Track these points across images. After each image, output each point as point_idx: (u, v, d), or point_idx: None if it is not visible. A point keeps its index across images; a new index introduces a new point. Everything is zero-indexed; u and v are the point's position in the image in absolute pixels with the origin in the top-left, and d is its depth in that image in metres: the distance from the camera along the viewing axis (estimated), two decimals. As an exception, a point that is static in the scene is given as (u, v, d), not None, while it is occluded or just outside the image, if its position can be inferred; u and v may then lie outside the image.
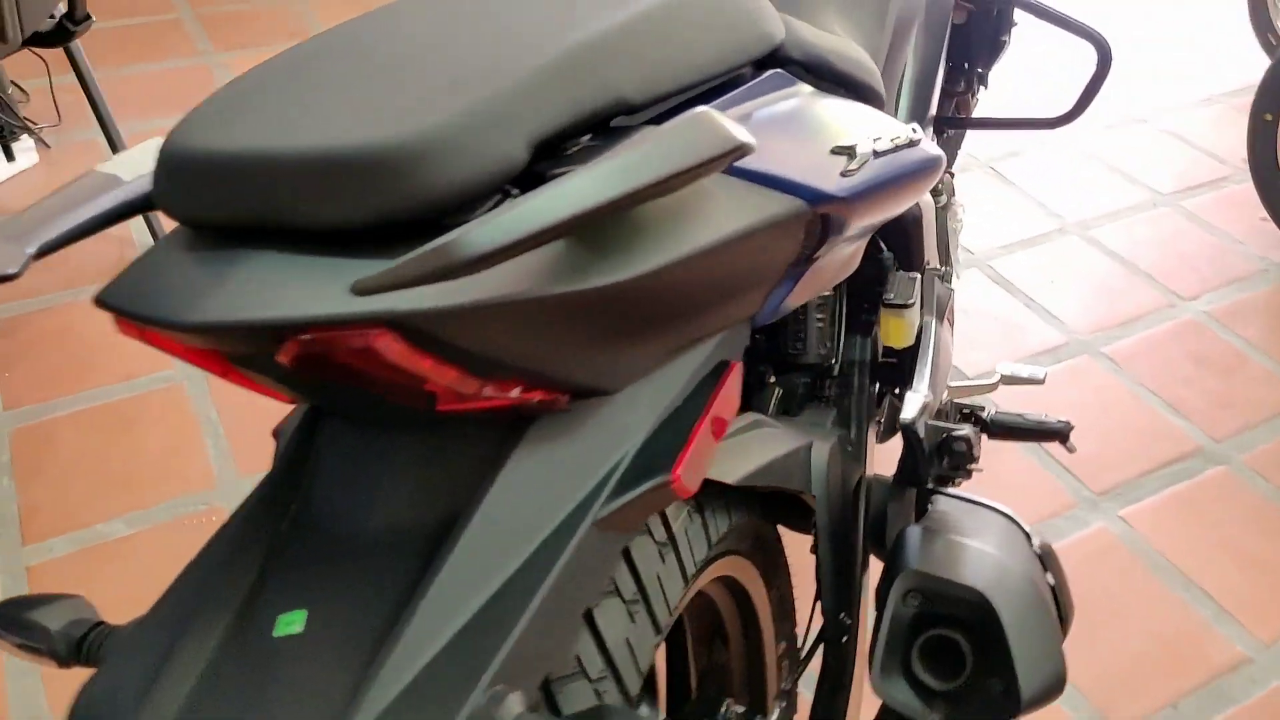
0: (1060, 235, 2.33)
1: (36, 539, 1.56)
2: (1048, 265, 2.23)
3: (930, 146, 0.78)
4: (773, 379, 1.10)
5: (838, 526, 0.93)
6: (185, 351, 0.45)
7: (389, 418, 0.52)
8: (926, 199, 1.22)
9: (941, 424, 0.92)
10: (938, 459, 0.91)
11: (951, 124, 1.50)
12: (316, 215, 0.41)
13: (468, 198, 0.43)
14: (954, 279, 1.43)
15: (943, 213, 1.33)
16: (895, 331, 1.07)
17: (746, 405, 1.09)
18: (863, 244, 0.82)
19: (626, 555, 0.74)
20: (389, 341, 0.40)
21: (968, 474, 0.93)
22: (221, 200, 0.43)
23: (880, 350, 1.17)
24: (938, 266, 1.22)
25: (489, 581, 0.48)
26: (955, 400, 1.26)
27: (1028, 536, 0.95)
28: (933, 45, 1.26)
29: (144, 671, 0.44)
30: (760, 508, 0.95)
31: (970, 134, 2.55)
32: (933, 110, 1.30)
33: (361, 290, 0.37)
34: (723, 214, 0.54)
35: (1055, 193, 2.47)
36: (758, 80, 0.63)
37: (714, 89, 0.60)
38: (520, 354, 0.46)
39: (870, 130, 0.68)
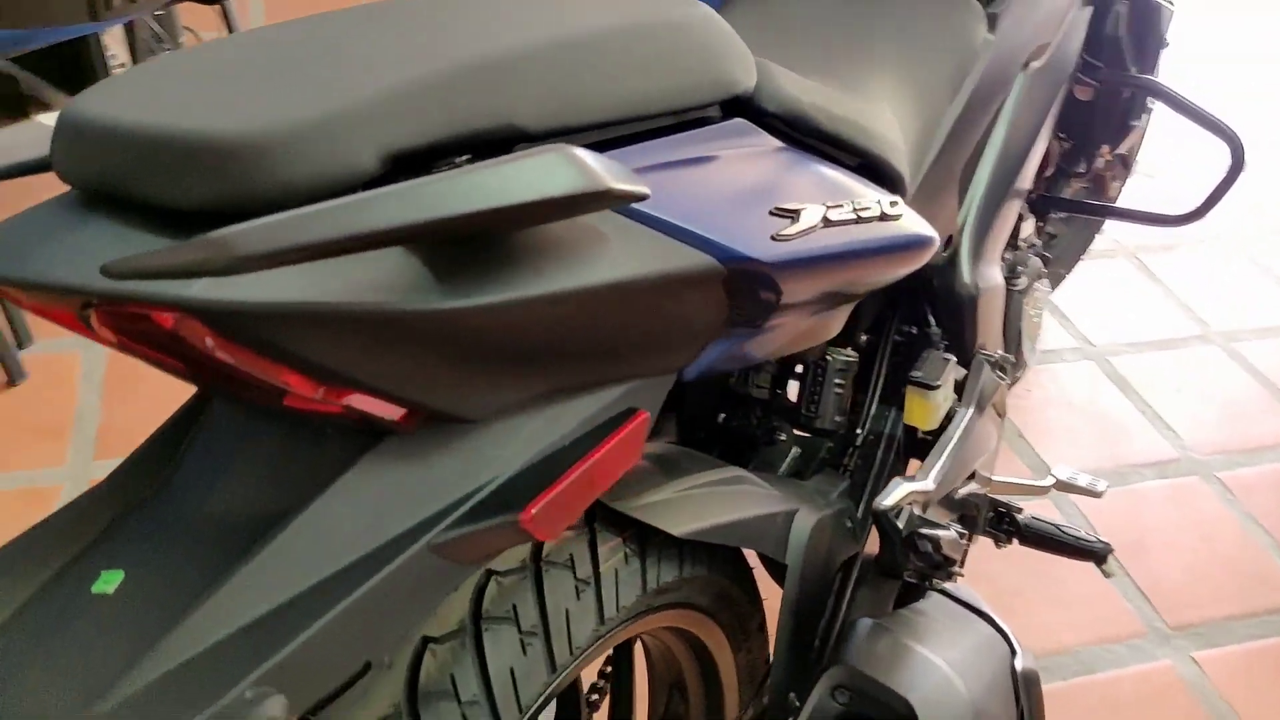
0: (1200, 342, 2.16)
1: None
2: (1176, 372, 2.07)
3: (913, 224, 0.73)
4: (783, 437, 1.07)
5: (804, 602, 0.89)
6: (61, 317, 0.47)
7: (256, 409, 0.53)
8: (992, 279, 1.16)
9: (925, 518, 0.87)
10: (911, 553, 0.86)
11: (1054, 205, 1.41)
12: (159, 192, 0.43)
13: (304, 198, 0.44)
14: (1022, 370, 1.34)
15: (1018, 297, 1.25)
16: (918, 411, 1.01)
17: (747, 461, 1.05)
18: (839, 312, 0.78)
19: (537, 584, 0.73)
20: (191, 325, 0.41)
21: (947, 575, 0.86)
22: (90, 167, 0.45)
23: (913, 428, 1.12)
24: (993, 353, 1.15)
25: (291, 583, 0.48)
26: (992, 495, 1.18)
27: (1012, 654, 0.88)
28: (1032, 118, 1.20)
29: None
30: (733, 567, 0.92)
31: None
32: (1025, 185, 1.23)
33: (110, 271, 0.38)
34: (611, 258, 0.52)
35: (1203, 296, 2.29)
36: (713, 126, 0.62)
37: (655, 130, 0.59)
38: (351, 364, 0.46)
39: (831, 196, 0.65)
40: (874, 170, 0.81)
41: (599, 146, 0.56)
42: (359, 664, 0.50)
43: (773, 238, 0.60)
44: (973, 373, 1.13)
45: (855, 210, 0.66)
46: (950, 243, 1.09)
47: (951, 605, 0.90)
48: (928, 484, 0.92)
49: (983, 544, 1.21)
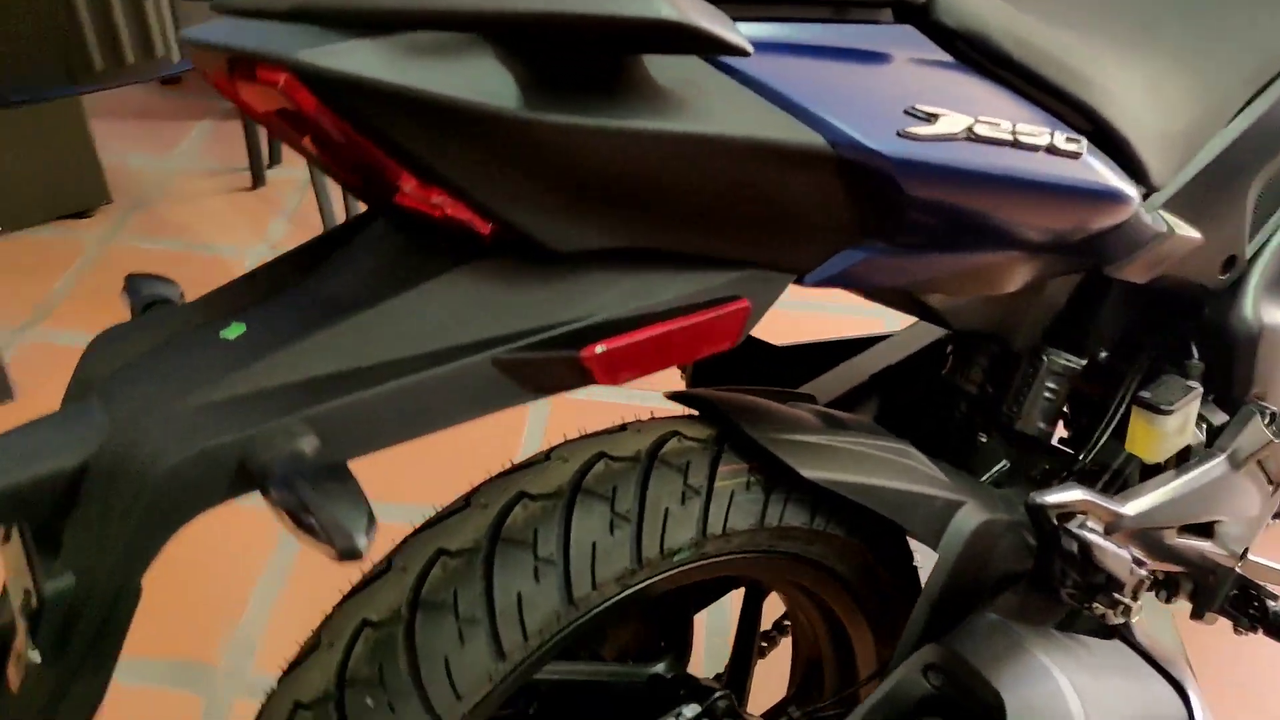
0: None
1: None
2: None
3: (1096, 171, 0.65)
4: (984, 439, 0.99)
5: (947, 601, 0.82)
6: (259, 115, 0.57)
7: (394, 223, 0.60)
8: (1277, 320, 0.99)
9: (1097, 533, 0.76)
10: (1061, 561, 0.76)
11: None
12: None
13: None
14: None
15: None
16: (1141, 438, 0.90)
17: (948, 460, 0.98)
18: (1013, 264, 0.70)
19: (644, 474, 0.74)
20: (292, 85, 0.48)
21: (1110, 603, 0.75)
22: None
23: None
24: (1272, 406, 0.99)
25: (360, 354, 0.54)
26: (1240, 572, 1.00)
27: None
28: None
29: (122, 333, 0.59)
30: (887, 544, 0.87)
31: None
32: None
33: (221, 6, 0.45)
34: (715, 113, 0.53)
35: None
36: (875, 26, 0.60)
37: (816, 19, 0.58)
38: (443, 159, 0.51)
39: (985, 112, 0.60)
40: (1102, 136, 0.73)
41: (751, 15, 0.56)
42: (395, 439, 0.55)
43: (899, 133, 0.57)
44: (1237, 420, 0.98)
45: (1013, 132, 0.61)
46: (1233, 265, 0.96)
47: (1116, 645, 0.79)
48: (1120, 505, 0.81)
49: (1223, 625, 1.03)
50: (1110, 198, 0.68)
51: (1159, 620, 1.59)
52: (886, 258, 0.64)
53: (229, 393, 0.53)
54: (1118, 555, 0.72)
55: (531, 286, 0.58)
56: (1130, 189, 0.71)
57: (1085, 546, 0.73)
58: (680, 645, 0.90)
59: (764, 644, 1.15)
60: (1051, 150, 0.63)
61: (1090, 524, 0.76)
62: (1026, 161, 0.62)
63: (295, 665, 0.71)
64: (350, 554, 0.45)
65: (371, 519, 0.47)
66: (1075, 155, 0.64)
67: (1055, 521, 0.77)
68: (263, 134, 2.50)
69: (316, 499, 0.46)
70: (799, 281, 0.64)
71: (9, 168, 2.23)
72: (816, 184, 0.58)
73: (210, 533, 1.61)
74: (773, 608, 1.09)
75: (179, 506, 0.49)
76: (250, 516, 1.62)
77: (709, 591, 1.00)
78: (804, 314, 2.18)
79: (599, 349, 0.56)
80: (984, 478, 1.02)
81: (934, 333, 1.12)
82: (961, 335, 0.98)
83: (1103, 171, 0.68)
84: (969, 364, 0.99)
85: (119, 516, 0.49)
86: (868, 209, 0.60)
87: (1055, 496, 0.76)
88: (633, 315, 0.59)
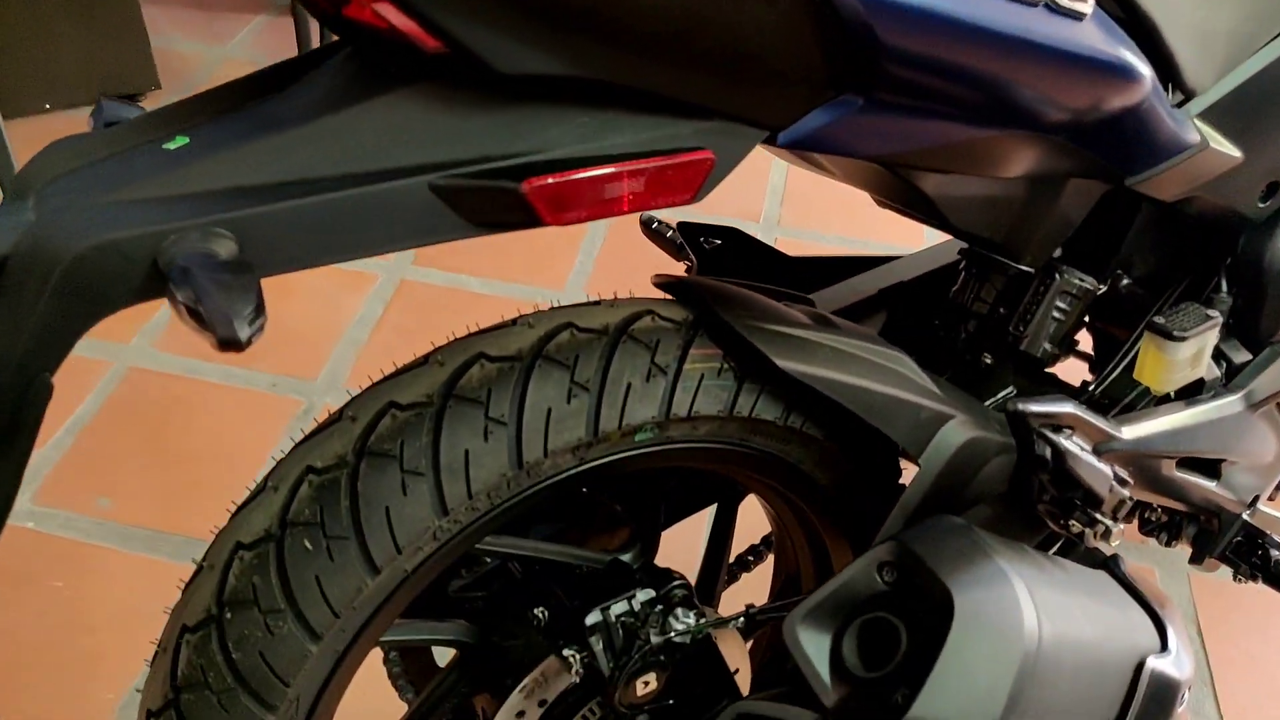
0: None
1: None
2: None
3: (1096, 38, 0.59)
4: (989, 360, 0.94)
5: (922, 512, 0.79)
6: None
7: (352, 51, 0.58)
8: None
9: (1075, 443, 0.72)
10: (1039, 470, 0.72)
11: None
12: None
13: None
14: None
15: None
16: (1150, 366, 0.85)
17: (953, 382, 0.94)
18: (1008, 144, 0.65)
19: (609, 348, 0.72)
20: None
21: (1087, 522, 0.71)
22: None
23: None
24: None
25: (294, 166, 0.52)
26: (1247, 519, 0.96)
27: (1162, 650, 0.72)
28: None
29: (72, 143, 0.57)
30: (872, 456, 0.83)
31: None
32: None
33: None
34: None
35: None
36: None
37: None
38: None
39: None
40: (1132, 19, 0.68)
41: None
42: (321, 258, 0.53)
43: None
44: (1260, 359, 0.92)
45: None
46: (1275, 193, 0.89)
47: (1099, 574, 0.75)
48: (1114, 427, 0.77)
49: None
50: (1116, 72, 0.63)
51: (1176, 586, 1.54)
52: (865, 118, 0.60)
53: (153, 193, 0.52)
54: (1095, 469, 0.68)
55: (480, 114, 0.55)
56: (1143, 68, 0.65)
57: (1060, 454, 0.69)
58: (648, 540, 0.89)
59: (750, 558, 1.14)
60: (1051, 7, 0.58)
61: (1076, 439, 0.72)
62: (1019, 16, 0.57)
63: (242, 508, 0.71)
64: (230, 343, 0.44)
65: (259, 312, 0.45)
66: (1078, 16, 0.59)
67: (1045, 439, 0.73)
68: (314, 30, 2.49)
69: (207, 287, 0.45)
70: (772, 142, 0.61)
71: (59, 47, 2.24)
72: (784, 21, 0.54)
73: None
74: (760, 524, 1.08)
75: (89, 296, 0.49)
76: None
77: (686, 500, 0.98)
78: (827, 249, 2.13)
79: (542, 181, 0.53)
80: (987, 404, 0.98)
81: (949, 255, 1.07)
82: (973, 253, 0.93)
83: (1110, 41, 0.62)
84: (980, 283, 0.95)
85: (30, 303, 0.48)
86: (840, 57, 0.56)
87: (1041, 405, 0.72)
88: (585, 155, 0.56)
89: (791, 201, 2.28)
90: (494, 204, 0.55)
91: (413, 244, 0.55)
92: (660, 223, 1.18)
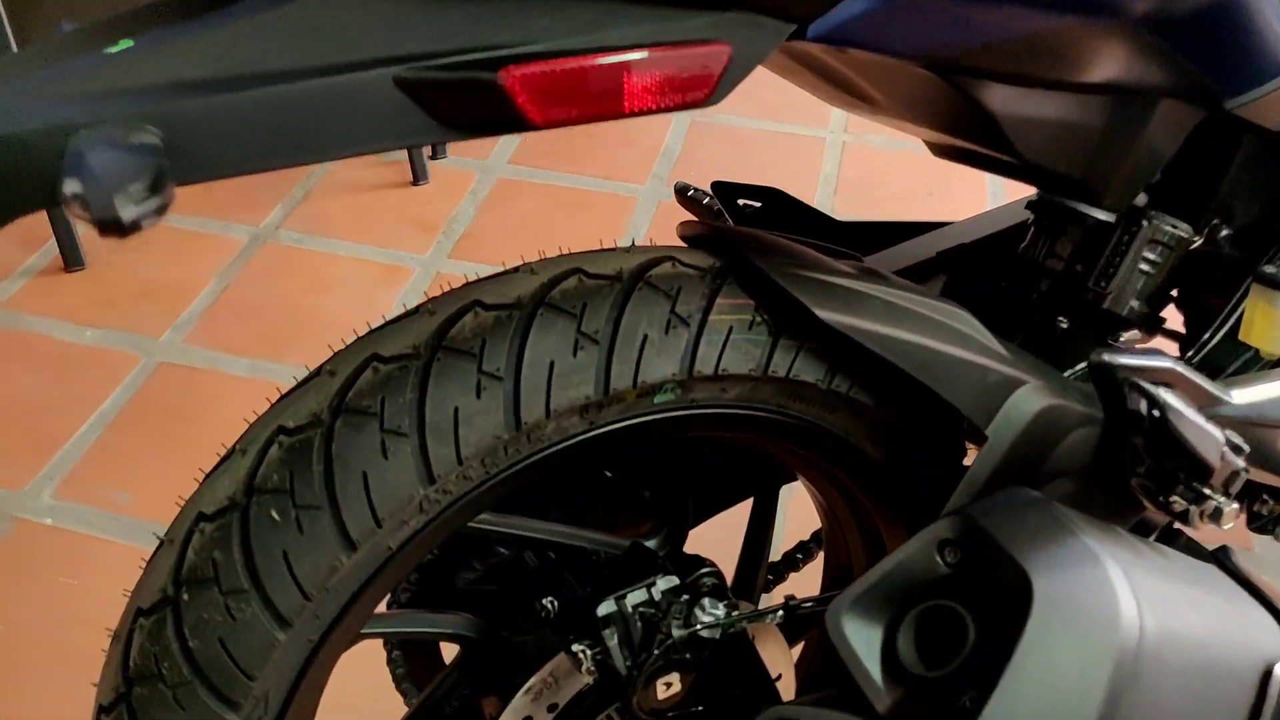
0: None
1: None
2: None
3: None
4: (1065, 324, 0.83)
5: (990, 488, 0.68)
6: None
7: None
8: None
9: (1179, 399, 0.60)
10: (1133, 430, 0.60)
11: None
12: None
13: None
14: None
15: None
16: (1260, 324, 0.74)
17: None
18: (1072, 31, 0.55)
19: (624, 294, 0.62)
20: None
21: (1197, 497, 0.60)
22: None
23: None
24: None
25: (236, 60, 0.45)
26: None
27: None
28: None
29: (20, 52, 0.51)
30: (930, 426, 0.73)
31: None
32: None
33: None
34: None
35: None
36: None
37: None
38: None
39: None
40: None
41: None
42: (268, 161, 0.45)
43: None
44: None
45: None
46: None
47: (1208, 568, 0.64)
48: (1222, 390, 0.65)
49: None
50: None
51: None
52: (894, 9, 0.50)
53: (79, 90, 0.44)
54: (1204, 430, 0.57)
55: (457, 1, 0.47)
56: None
57: (1161, 411, 0.57)
58: (675, 527, 0.79)
59: (798, 555, 1.03)
60: None
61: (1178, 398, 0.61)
62: None
63: (209, 475, 0.63)
64: (108, 224, 0.35)
65: (152, 193, 0.37)
66: None
67: (1140, 393, 0.61)
68: None
69: (93, 166, 0.37)
70: (799, 36, 0.51)
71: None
72: None
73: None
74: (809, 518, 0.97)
75: None
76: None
77: (720, 491, 0.88)
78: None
79: (524, 70, 0.45)
80: (1074, 375, 0.87)
81: (1015, 216, 0.96)
82: (1045, 201, 0.82)
83: None
84: (1054, 237, 0.83)
85: None
86: None
87: (1133, 359, 0.61)
88: (578, 47, 0.47)
89: (845, 191, 2.17)
90: (468, 99, 0.46)
91: (373, 148, 0.46)
92: (697, 190, 1.08)
